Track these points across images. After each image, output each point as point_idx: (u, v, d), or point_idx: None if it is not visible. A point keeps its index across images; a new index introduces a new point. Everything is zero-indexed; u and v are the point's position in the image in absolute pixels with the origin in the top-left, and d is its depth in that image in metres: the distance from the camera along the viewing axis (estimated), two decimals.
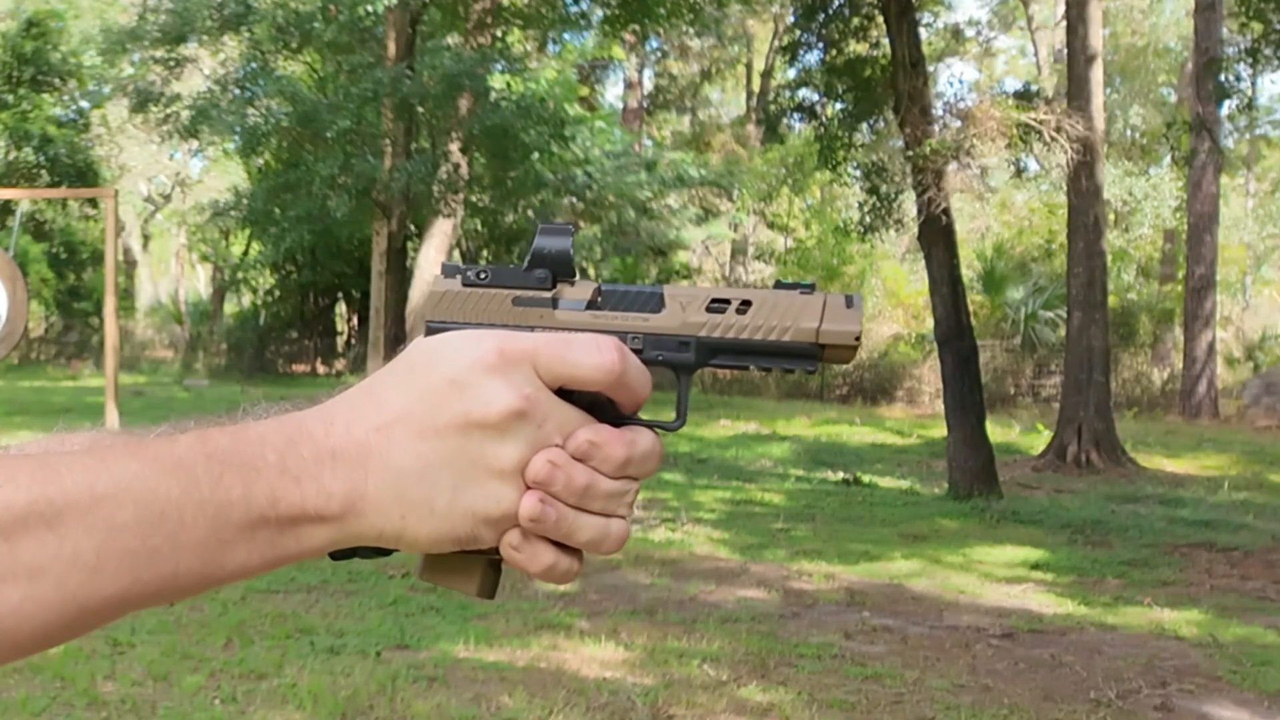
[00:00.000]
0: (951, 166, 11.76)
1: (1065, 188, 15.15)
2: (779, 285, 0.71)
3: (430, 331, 0.70)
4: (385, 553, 0.66)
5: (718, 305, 0.70)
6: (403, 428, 0.63)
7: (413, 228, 20.75)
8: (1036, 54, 34.03)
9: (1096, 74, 14.23)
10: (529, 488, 0.64)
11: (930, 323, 11.89)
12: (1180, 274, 23.94)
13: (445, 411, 0.63)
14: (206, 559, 0.59)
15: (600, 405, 0.67)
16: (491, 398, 0.63)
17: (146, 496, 0.57)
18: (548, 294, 0.71)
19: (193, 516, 0.58)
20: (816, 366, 0.70)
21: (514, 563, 0.66)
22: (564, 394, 0.66)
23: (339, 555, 0.66)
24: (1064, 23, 17.19)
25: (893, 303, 26.04)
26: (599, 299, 0.71)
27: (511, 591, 6.76)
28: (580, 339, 0.66)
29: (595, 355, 0.65)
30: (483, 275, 0.72)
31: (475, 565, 0.69)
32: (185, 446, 0.59)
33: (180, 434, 0.61)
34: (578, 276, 0.72)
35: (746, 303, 0.70)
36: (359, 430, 0.63)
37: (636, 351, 0.69)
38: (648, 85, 35.98)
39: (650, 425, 0.69)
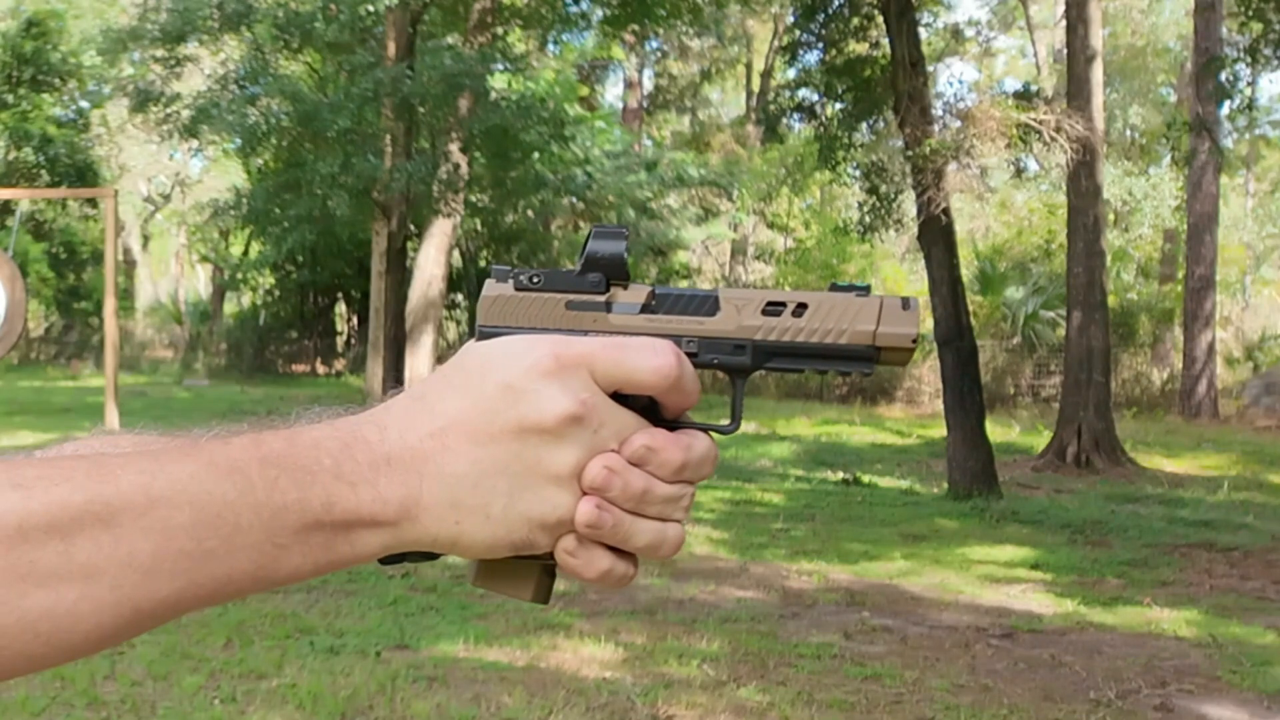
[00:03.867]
0: (951, 166, 11.76)
1: (1065, 188, 15.15)
2: (834, 288, 0.70)
3: (483, 336, 0.70)
4: (434, 556, 0.66)
5: (773, 308, 0.70)
6: (457, 433, 0.62)
7: (412, 228, 20.75)
8: (1036, 54, 34.02)
9: (1096, 74, 14.23)
10: (585, 493, 0.64)
11: (930, 323, 11.88)
12: (1180, 274, 23.94)
13: (500, 417, 0.63)
14: (260, 562, 0.59)
15: (650, 409, 0.67)
16: (547, 403, 0.63)
17: (202, 499, 0.57)
18: (601, 298, 0.71)
19: (248, 520, 0.58)
20: (872, 369, 0.70)
21: (569, 569, 0.66)
22: (618, 398, 0.65)
23: (389, 560, 0.65)
24: (1064, 23, 17.20)
25: None
26: (653, 302, 0.70)
27: None
28: (636, 343, 0.65)
29: (653, 359, 0.64)
30: (535, 279, 0.71)
31: (529, 571, 0.68)
32: (240, 449, 0.59)
33: (234, 437, 0.61)
34: (631, 280, 0.71)
35: (803, 305, 0.70)
36: (413, 436, 0.62)
37: (691, 355, 0.68)
38: (647, 85, 35.98)
39: (705, 428, 0.69)
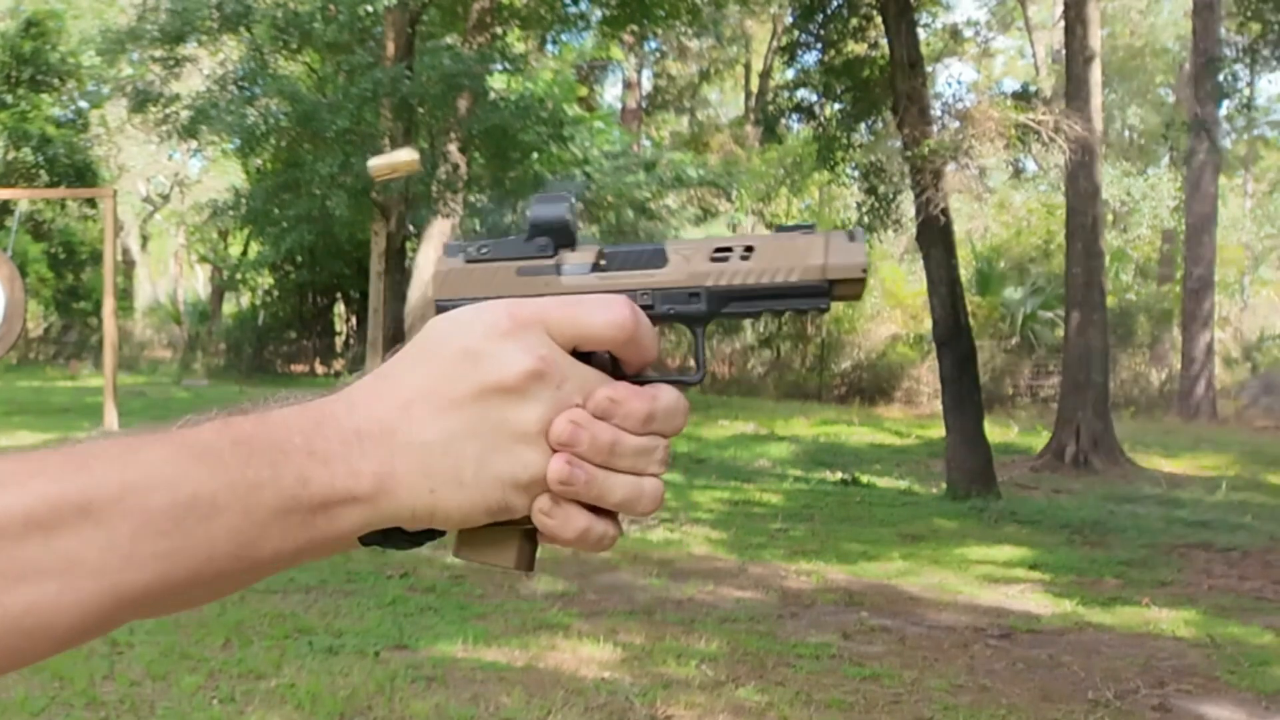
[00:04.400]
0: (950, 167, 11.77)
1: (1063, 188, 15.17)
2: (780, 229, 0.71)
3: (439, 310, 0.70)
4: (416, 544, 0.66)
5: (721, 254, 0.71)
6: (422, 403, 0.63)
7: (411, 228, 20.76)
8: (1035, 54, 34.04)
9: (1095, 74, 14.24)
10: (555, 450, 0.64)
11: (928, 323, 11.91)
12: (1178, 274, 23.96)
13: (462, 381, 0.63)
14: (240, 542, 0.59)
15: (613, 368, 0.67)
16: (507, 361, 0.63)
17: (177, 480, 0.57)
18: (551, 261, 0.71)
19: (224, 500, 0.58)
20: (828, 305, 0.70)
21: (547, 530, 0.66)
22: (579, 357, 0.66)
23: (369, 540, 0.65)
24: (1062, 23, 17.21)
25: (891, 303, 26.05)
26: (603, 261, 0.71)
27: (509, 591, 6.77)
28: (589, 299, 0.66)
29: (605, 312, 0.65)
30: (484, 249, 0.73)
31: (510, 537, 0.68)
32: (211, 432, 0.60)
33: (205, 421, 0.62)
34: (578, 241, 0.72)
35: (750, 248, 0.70)
36: (380, 409, 0.63)
37: (646, 308, 0.69)
38: (646, 85, 35.98)
39: (672, 380, 0.69)
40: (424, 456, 0.62)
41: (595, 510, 0.66)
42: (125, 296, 32.66)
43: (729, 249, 0.70)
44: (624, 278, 0.71)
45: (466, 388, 0.63)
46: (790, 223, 0.73)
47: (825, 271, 0.69)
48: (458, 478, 0.63)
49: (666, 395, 0.67)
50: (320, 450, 0.61)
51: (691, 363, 0.74)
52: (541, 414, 0.63)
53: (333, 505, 0.61)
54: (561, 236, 0.72)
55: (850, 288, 0.70)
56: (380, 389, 0.64)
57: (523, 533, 0.68)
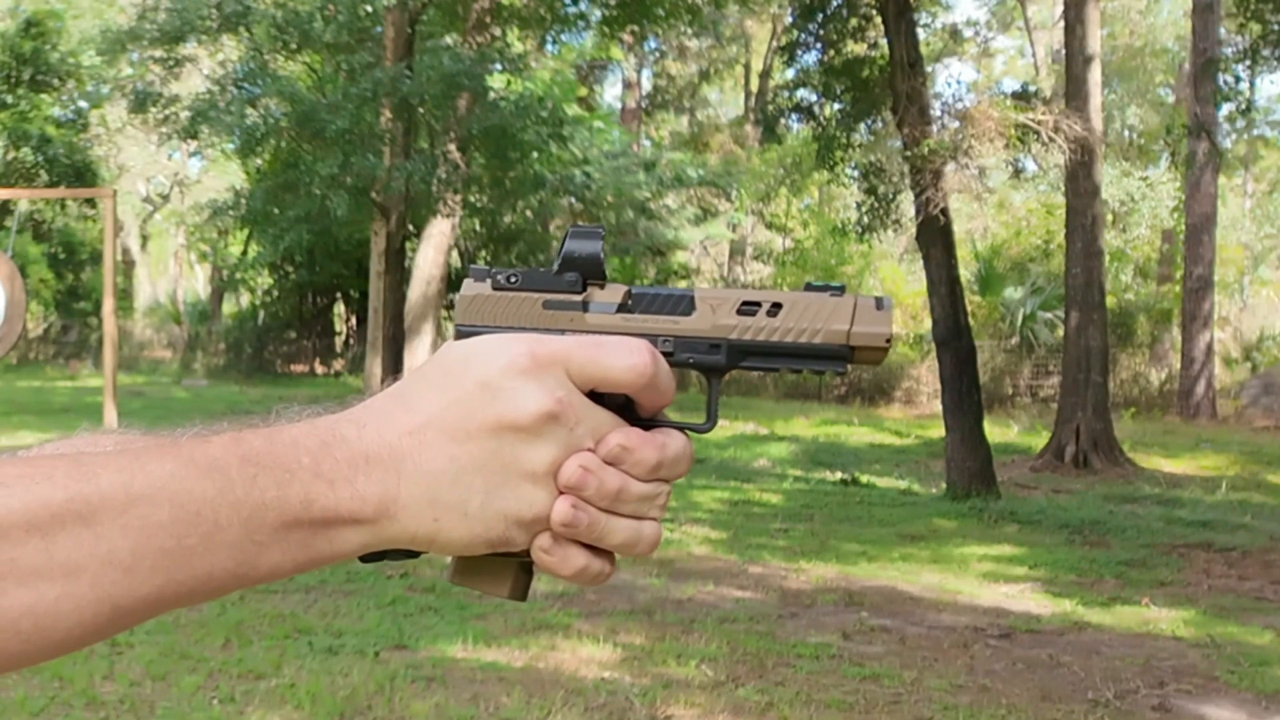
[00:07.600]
0: (949, 167, 11.76)
1: (1063, 188, 15.16)
2: (809, 287, 0.71)
3: (460, 335, 0.70)
4: (414, 555, 0.66)
5: (748, 307, 0.71)
6: (435, 431, 0.63)
7: (411, 228, 20.74)
8: (1034, 54, 34.04)
9: (1094, 74, 14.23)
10: (561, 492, 0.65)
11: (928, 323, 11.89)
12: (1178, 274, 23.95)
13: (478, 415, 0.63)
14: (240, 559, 0.59)
15: (626, 407, 0.67)
16: (524, 400, 0.63)
17: (182, 497, 0.57)
18: (578, 297, 0.71)
19: (227, 517, 0.58)
20: (846, 368, 0.71)
21: (545, 566, 0.67)
22: (594, 396, 0.66)
23: (369, 558, 0.66)
24: (1062, 23, 17.20)
25: None
26: (629, 302, 0.71)
27: None
28: (612, 341, 0.66)
29: (628, 358, 0.65)
30: (513, 279, 0.72)
31: (507, 568, 0.69)
32: (220, 448, 0.60)
33: (214, 435, 0.62)
34: (608, 279, 0.72)
35: (777, 305, 0.70)
36: (391, 434, 0.63)
37: (666, 354, 0.69)
38: (646, 85, 35.97)
39: (681, 427, 0.69)
40: (431, 485, 0.63)
41: (593, 549, 0.67)
42: (125, 296, 32.66)
43: (757, 304, 0.71)
44: (649, 322, 0.71)
45: (481, 422, 0.63)
46: (820, 281, 0.72)
47: (849, 338, 0.69)
48: (462, 509, 0.63)
49: (675, 443, 0.67)
50: (327, 472, 0.61)
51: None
52: (553, 455, 0.64)
53: (335, 526, 0.61)
54: (592, 273, 0.71)
55: (871, 354, 0.70)
56: (393, 412, 0.64)
57: (520, 565, 0.69)
